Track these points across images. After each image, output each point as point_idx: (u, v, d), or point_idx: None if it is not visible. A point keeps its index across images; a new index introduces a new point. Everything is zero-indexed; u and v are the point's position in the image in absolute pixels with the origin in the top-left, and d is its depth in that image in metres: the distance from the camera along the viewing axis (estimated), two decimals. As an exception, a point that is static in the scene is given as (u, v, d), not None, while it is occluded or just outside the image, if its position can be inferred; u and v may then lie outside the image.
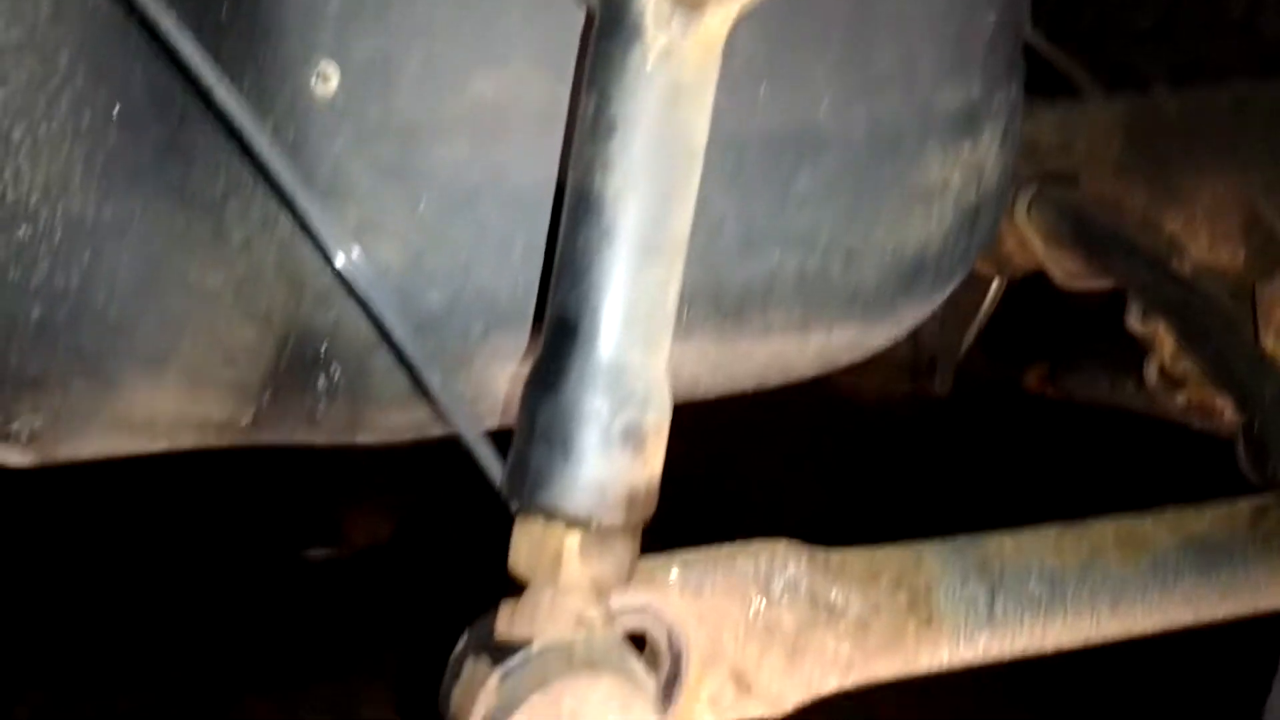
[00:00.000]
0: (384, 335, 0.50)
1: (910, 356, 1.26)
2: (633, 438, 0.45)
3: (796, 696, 0.56)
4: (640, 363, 0.45)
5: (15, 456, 0.61)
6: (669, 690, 0.55)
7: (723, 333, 0.61)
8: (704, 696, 0.55)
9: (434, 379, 0.48)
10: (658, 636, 0.55)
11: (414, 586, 1.89)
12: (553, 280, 0.47)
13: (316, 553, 2.08)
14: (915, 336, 1.27)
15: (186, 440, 0.63)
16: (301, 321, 0.56)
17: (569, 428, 0.45)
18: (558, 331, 0.45)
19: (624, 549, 0.47)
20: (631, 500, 0.46)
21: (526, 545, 0.47)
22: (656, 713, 0.45)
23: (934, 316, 1.26)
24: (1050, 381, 1.30)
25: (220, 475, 2.42)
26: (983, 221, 0.67)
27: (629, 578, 0.48)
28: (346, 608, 1.88)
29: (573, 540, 0.46)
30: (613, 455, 0.45)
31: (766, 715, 0.56)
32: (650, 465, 0.47)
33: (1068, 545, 0.59)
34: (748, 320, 0.61)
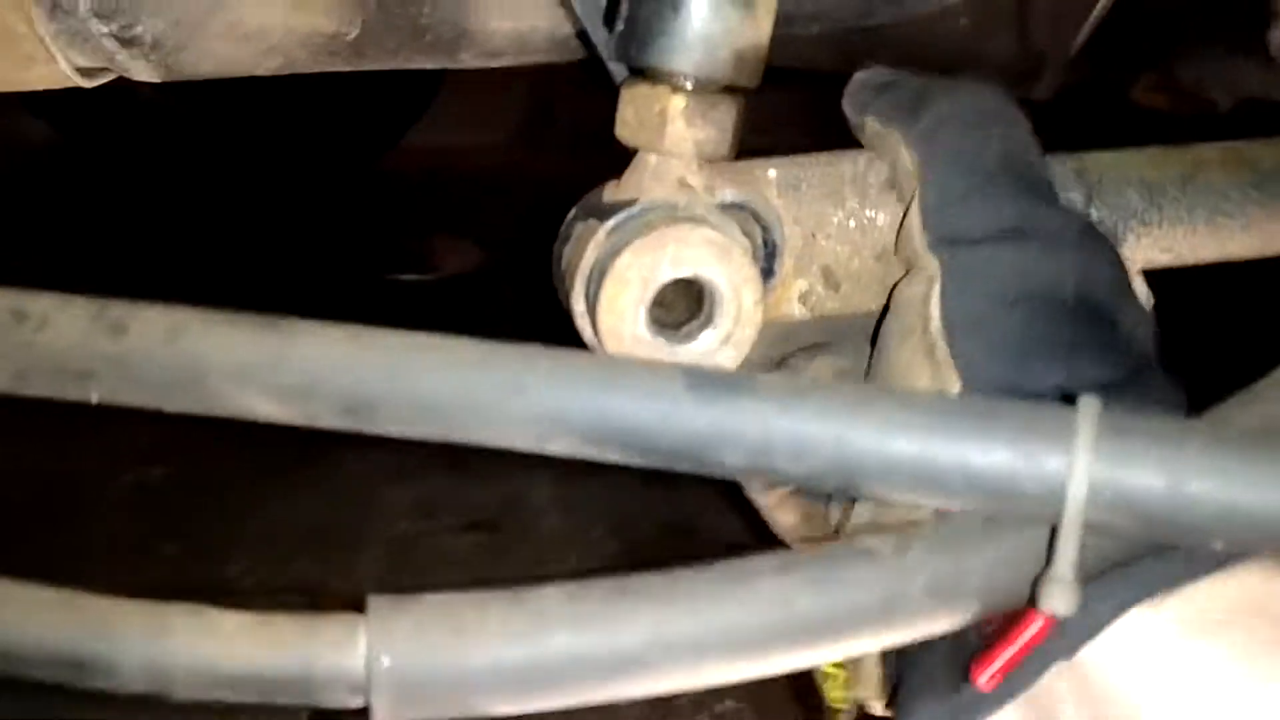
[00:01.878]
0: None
1: (1016, 57, 1.20)
2: (742, -7, 0.45)
3: (882, 297, 0.58)
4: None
5: (142, 68, 0.64)
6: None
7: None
8: (795, 293, 0.58)
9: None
10: (753, 233, 0.57)
11: (498, 310, 1.97)
12: None
13: (407, 277, 2.18)
14: (1023, 35, 1.21)
15: (300, 58, 0.65)
16: None
17: (678, -20, 0.45)
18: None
19: (728, 114, 0.48)
20: (739, 61, 0.46)
21: (632, 109, 0.48)
22: (754, 265, 0.47)
23: (1045, 11, 1.19)
24: (1163, 87, 1.24)
25: (324, 207, 2.50)
26: None
27: (732, 149, 0.49)
28: (434, 325, 1.98)
29: (679, 100, 0.47)
30: (722, 10, 0.45)
31: (850, 311, 0.58)
32: (759, 28, 0.46)
33: (1170, 161, 0.58)
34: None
